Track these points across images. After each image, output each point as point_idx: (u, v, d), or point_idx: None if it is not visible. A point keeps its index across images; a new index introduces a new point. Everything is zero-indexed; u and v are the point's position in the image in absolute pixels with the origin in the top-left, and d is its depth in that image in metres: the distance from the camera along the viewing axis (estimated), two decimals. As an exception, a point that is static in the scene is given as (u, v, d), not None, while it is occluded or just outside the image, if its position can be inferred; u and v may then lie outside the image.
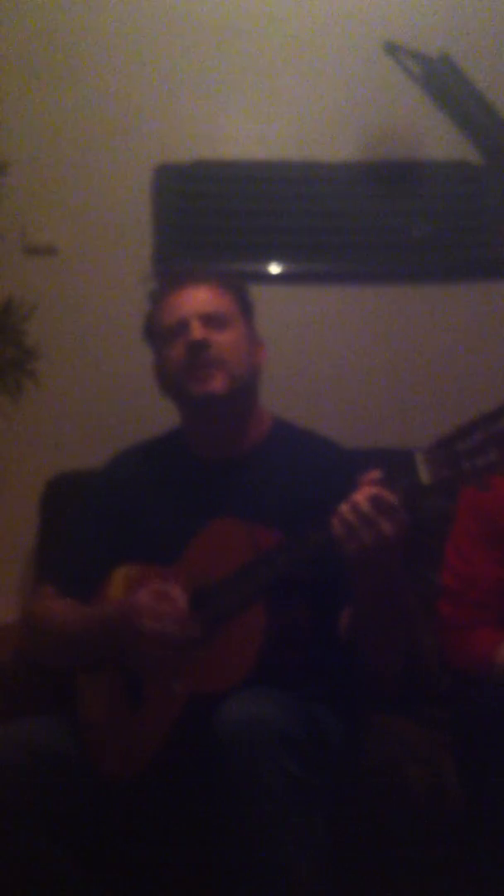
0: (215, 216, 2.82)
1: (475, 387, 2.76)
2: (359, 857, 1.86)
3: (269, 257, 2.81)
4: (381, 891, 1.90)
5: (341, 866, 1.67)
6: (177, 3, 2.79)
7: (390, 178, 2.80)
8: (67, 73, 2.77)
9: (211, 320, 1.92)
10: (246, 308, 1.99)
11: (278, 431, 2.01)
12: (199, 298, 1.94)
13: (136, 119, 2.79)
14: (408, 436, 2.57)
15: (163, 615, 1.76)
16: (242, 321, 1.97)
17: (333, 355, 2.83)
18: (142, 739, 1.80)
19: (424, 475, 1.57)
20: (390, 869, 1.90)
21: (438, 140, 2.81)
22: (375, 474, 1.63)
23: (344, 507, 1.61)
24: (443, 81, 2.79)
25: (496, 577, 2.03)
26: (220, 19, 2.78)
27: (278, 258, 2.82)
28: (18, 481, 2.74)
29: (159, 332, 1.96)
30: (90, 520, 2.03)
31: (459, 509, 2.10)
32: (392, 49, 2.78)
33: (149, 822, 1.80)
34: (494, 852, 1.80)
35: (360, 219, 2.82)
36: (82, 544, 2.01)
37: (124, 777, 1.79)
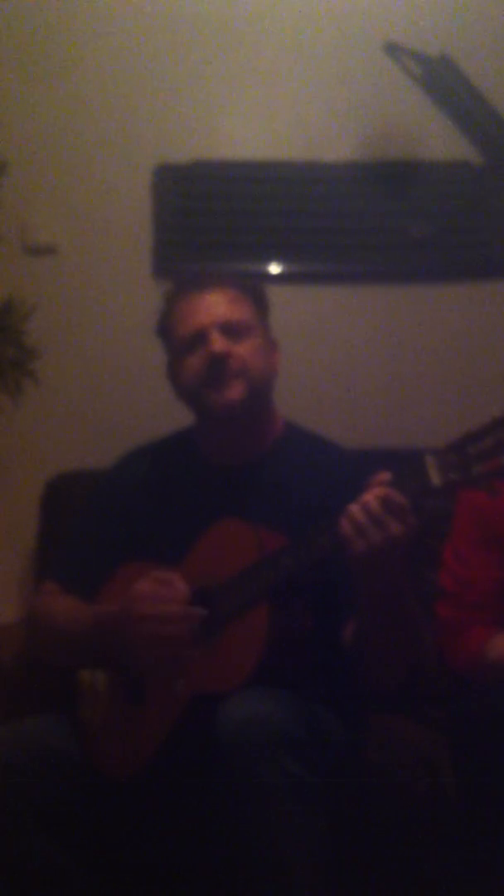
0: (215, 216, 2.82)
1: (474, 387, 2.76)
2: (359, 857, 1.86)
3: (269, 257, 2.81)
4: (381, 891, 1.90)
5: (341, 866, 1.67)
6: (176, 3, 2.79)
7: (390, 178, 2.80)
8: (67, 73, 2.78)
9: (230, 329, 1.89)
10: (263, 311, 1.98)
11: (289, 436, 2.01)
12: (217, 305, 1.91)
13: (136, 119, 2.79)
14: (407, 436, 2.58)
15: (163, 598, 1.75)
16: (260, 326, 1.95)
17: (333, 355, 2.83)
18: (142, 738, 1.80)
19: (435, 478, 1.56)
20: (390, 869, 1.90)
21: (438, 140, 2.81)
22: (385, 476, 1.63)
23: (353, 507, 1.61)
24: (443, 81, 2.79)
25: (493, 579, 2.03)
26: (220, 19, 2.78)
27: (278, 258, 2.82)
28: (18, 481, 2.74)
29: (176, 340, 1.94)
30: (96, 518, 2.04)
31: (457, 512, 2.10)
32: (392, 49, 2.78)
33: (149, 821, 1.80)
34: (494, 852, 1.80)
35: (360, 219, 2.83)
36: (87, 542, 2.01)
37: (124, 776, 1.79)
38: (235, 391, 1.88)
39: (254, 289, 1.97)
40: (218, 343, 1.88)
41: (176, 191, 2.79)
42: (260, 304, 1.97)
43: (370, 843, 1.89)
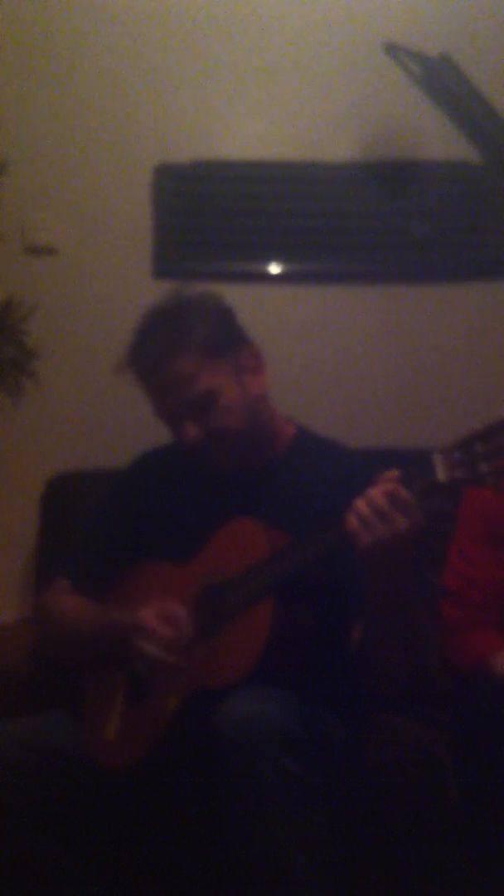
0: (215, 216, 2.82)
1: (475, 387, 2.76)
2: (359, 857, 1.86)
3: (269, 257, 2.81)
4: (381, 891, 1.90)
5: (341, 866, 1.67)
6: (177, 3, 2.79)
7: (390, 178, 2.80)
8: (67, 73, 2.78)
9: (199, 405, 1.87)
10: (228, 340, 1.92)
11: (301, 441, 2.01)
12: (177, 389, 1.87)
13: (136, 119, 2.79)
14: (407, 435, 2.58)
15: (164, 642, 1.77)
16: (228, 368, 1.90)
17: (333, 355, 2.83)
18: (141, 732, 1.80)
19: (442, 475, 1.57)
20: (390, 869, 1.90)
21: (438, 140, 2.81)
22: (393, 473, 1.63)
23: (359, 501, 1.62)
24: (443, 81, 2.79)
25: (498, 579, 2.04)
26: (221, 19, 2.78)
27: (278, 258, 2.82)
28: (18, 481, 2.74)
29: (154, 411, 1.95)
30: (110, 517, 2.05)
31: (462, 511, 2.10)
32: (392, 49, 2.78)
33: (149, 819, 1.80)
34: (494, 852, 1.80)
35: (360, 219, 2.83)
36: (100, 541, 2.02)
37: (123, 770, 1.79)
38: (221, 450, 1.89)
39: (208, 330, 1.90)
40: (191, 431, 1.87)
41: (176, 191, 2.80)
42: (221, 342, 1.91)
43: (371, 843, 1.89)
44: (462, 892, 1.87)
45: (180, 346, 1.89)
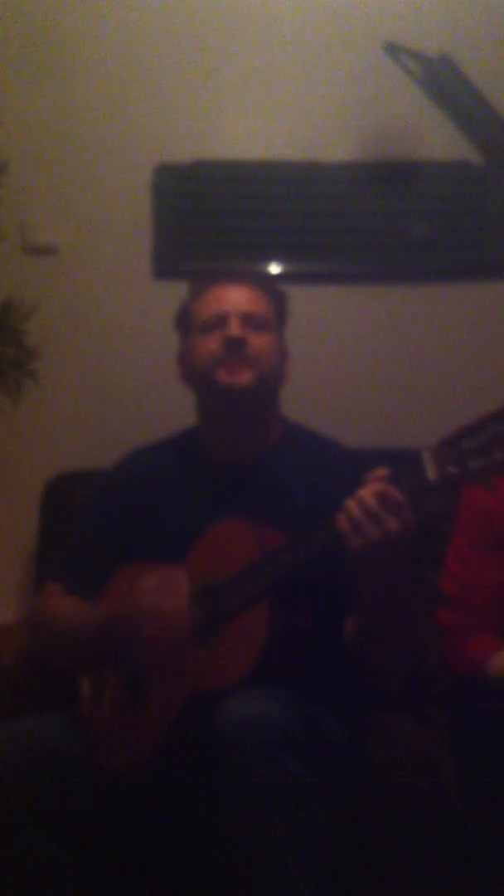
0: (215, 216, 2.82)
1: (474, 387, 2.76)
2: (359, 857, 1.86)
3: (269, 257, 2.81)
4: (381, 891, 1.90)
5: (341, 866, 1.67)
6: (176, 3, 2.79)
7: (390, 178, 2.80)
8: (67, 73, 2.78)
9: (250, 320, 1.95)
10: (282, 318, 2.03)
11: (289, 435, 2.01)
12: (242, 297, 1.97)
13: (136, 119, 2.79)
14: (407, 435, 2.57)
15: (167, 594, 1.77)
16: (278, 330, 2.01)
17: (333, 355, 2.83)
18: (142, 735, 1.80)
19: (431, 473, 1.56)
20: (390, 869, 1.90)
21: (438, 140, 2.81)
22: (382, 472, 1.63)
23: (350, 503, 1.62)
24: (443, 81, 2.79)
25: (496, 582, 2.03)
26: (221, 19, 2.78)
27: (278, 258, 2.82)
28: (18, 481, 2.74)
29: (195, 323, 1.98)
30: (99, 518, 2.04)
31: (460, 513, 2.10)
32: (392, 49, 2.78)
33: (149, 820, 1.80)
34: (494, 852, 1.80)
35: (360, 219, 2.82)
36: (90, 543, 2.02)
37: (124, 774, 1.79)
38: (245, 377, 1.91)
39: (279, 295, 2.03)
40: (237, 327, 1.93)
41: (176, 191, 2.80)
42: (280, 311, 2.03)
43: (370, 843, 1.89)
44: (462, 892, 1.87)
45: (263, 284, 2.04)
